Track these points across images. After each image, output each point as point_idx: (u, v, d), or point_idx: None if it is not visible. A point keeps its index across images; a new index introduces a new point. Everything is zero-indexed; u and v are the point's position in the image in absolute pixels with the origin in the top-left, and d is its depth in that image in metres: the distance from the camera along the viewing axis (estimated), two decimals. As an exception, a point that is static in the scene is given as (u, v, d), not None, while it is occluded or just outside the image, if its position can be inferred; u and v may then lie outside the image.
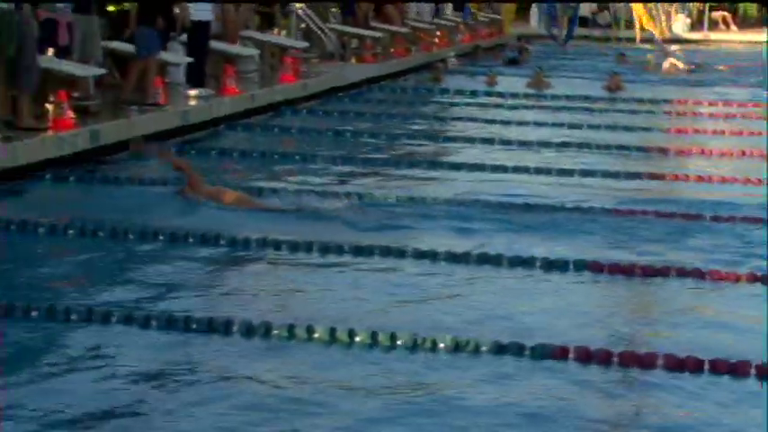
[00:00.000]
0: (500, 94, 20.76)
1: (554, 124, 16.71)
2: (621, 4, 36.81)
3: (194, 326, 6.92)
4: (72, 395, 5.87)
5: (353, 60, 22.20)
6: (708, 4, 39.68)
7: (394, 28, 24.92)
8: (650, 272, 8.51)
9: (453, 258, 8.75)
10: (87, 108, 12.89)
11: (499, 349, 6.62)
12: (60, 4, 12.68)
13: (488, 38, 31.95)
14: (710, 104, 19.87)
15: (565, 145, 14.63)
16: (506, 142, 14.82)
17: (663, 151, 14.70)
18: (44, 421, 5.50)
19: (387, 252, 8.85)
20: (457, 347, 6.65)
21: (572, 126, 16.54)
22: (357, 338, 6.75)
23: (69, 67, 12.62)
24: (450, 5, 30.56)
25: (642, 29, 32.95)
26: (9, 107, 11.63)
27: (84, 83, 13.03)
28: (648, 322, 7.78)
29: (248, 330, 6.85)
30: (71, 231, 9.17)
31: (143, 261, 8.74)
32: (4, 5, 11.04)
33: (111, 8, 14.89)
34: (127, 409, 5.74)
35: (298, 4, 20.56)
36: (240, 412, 5.71)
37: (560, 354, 6.57)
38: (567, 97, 20.13)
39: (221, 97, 15.60)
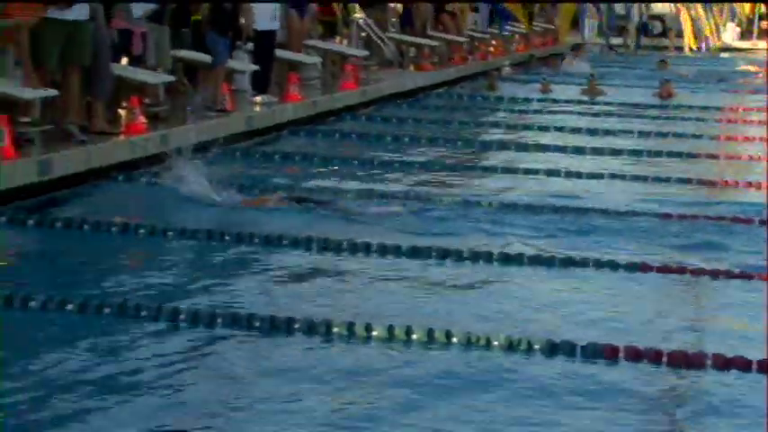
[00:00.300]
0: (554, 101, 20.70)
1: (606, 131, 16.61)
2: (672, 13, 36.65)
3: (257, 323, 6.96)
4: (140, 392, 5.96)
5: (411, 68, 22.19)
6: (757, 13, 39.34)
7: (449, 37, 24.87)
8: (699, 273, 8.48)
9: (507, 260, 8.76)
10: (157, 113, 13.02)
11: (552, 348, 6.63)
12: (136, 5, 12.78)
13: (543, 47, 31.81)
14: (759, 110, 19.67)
15: (617, 151, 14.54)
16: (560, 148, 14.78)
17: (713, 157, 14.58)
18: (120, 420, 5.58)
19: (444, 254, 8.87)
20: (510, 346, 6.67)
21: (624, 132, 16.45)
22: (414, 336, 6.78)
23: (142, 74, 12.77)
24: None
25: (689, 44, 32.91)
26: (84, 112, 11.77)
27: (155, 89, 13.14)
28: (697, 322, 7.73)
29: (310, 328, 6.87)
30: (141, 231, 9.26)
31: (209, 260, 8.85)
32: (81, 17, 11.17)
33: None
34: (198, 404, 5.82)
35: (358, 15, 20.60)
36: (311, 410, 5.75)
37: (611, 353, 6.57)
38: (620, 104, 20.02)
39: (285, 104, 15.67)
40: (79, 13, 11.17)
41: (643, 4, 36.09)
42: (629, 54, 32.87)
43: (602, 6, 34.74)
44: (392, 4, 23.17)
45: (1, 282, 7.75)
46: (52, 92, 11.03)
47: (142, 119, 12.09)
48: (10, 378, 5.91)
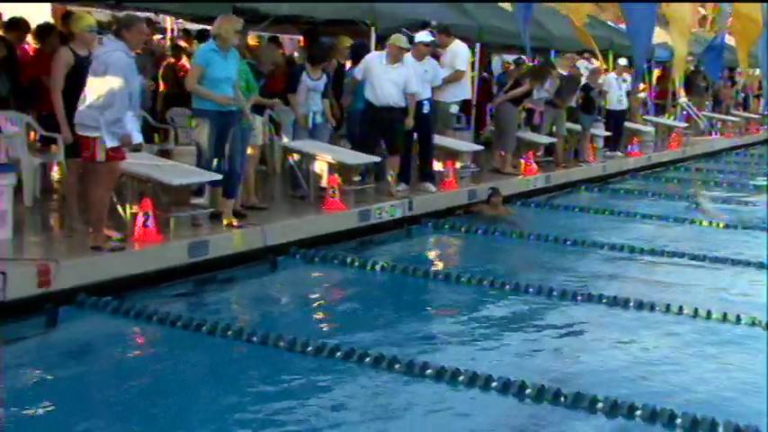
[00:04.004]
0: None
1: None
2: None
3: (604, 301, 6.69)
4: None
5: (719, 136, 21.00)
6: None
7: (747, 114, 23.40)
8: None
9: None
10: (544, 162, 13.11)
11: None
12: (539, 96, 12.75)
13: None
14: None
15: None
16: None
17: None
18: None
19: (721, 261, 8.36)
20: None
21: None
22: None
23: (532, 136, 12.91)
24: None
25: None
26: (499, 160, 12.10)
27: (543, 147, 13.26)
28: None
29: (638, 306, 6.58)
30: (549, 241, 8.92)
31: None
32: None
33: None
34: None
35: (682, 99, 19.86)
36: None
37: None
38: None
39: (628, 157, 15.37)
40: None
41: None
42: None
43: None
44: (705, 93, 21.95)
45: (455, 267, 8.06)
46: (479, 147, 11.41)
47: (533, 165, 12.23)
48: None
